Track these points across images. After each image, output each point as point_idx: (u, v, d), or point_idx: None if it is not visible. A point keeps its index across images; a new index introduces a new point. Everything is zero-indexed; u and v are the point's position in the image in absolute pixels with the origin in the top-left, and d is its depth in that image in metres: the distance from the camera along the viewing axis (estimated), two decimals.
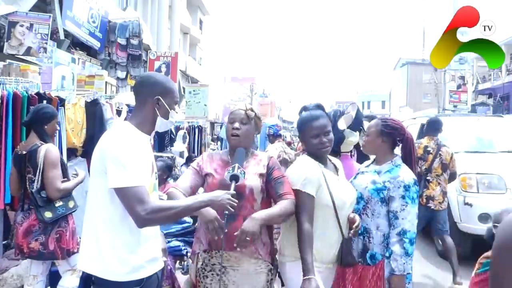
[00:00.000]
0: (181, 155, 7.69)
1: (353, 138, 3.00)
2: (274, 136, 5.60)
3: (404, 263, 2.24)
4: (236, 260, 2.20)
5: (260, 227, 2.09)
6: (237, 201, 1.93)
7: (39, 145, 3.08)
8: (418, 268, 5.03)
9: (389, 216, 2.33)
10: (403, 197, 2.30)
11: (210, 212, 2.06)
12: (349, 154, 3.10)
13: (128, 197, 1.69)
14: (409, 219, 2.27)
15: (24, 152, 3.09)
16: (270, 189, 2.28)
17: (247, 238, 2.03)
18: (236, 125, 2.28)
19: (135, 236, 1.77)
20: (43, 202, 3.01)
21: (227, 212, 1.92)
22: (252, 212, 2.16)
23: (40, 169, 3.01)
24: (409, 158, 2.48)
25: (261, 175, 2.28)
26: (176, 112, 2.03)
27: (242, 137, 2.28)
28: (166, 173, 4.19)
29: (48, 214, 3.00)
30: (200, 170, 2.32)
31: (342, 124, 2.99)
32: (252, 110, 2.34)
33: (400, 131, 2.49)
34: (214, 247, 2.21)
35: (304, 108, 2.44)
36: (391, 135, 2.47)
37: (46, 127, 3.14)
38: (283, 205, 2.17)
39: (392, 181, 2.34)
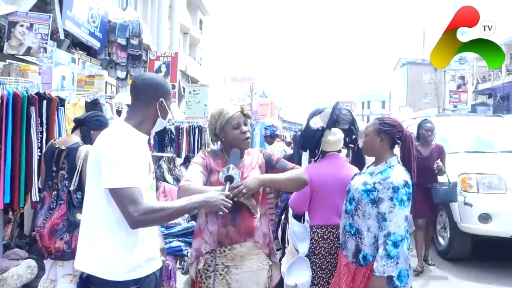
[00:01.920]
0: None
1: (332, 137, 2.88)
2: (271, 137, 5.52)
3: (384, 265, 2.21)
4: (240, 259, 2.23)
5: (259, 186, 2.18)
6: (231, 202, 1.92)
7: (80, 144, 3.07)
8: None
9: (378, 217, 2.32)
10: (391, 198, 2.27)
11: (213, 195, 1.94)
12: (338, 153, 3.00)
13: (121, 198, 1.69)
14: (395, 221, 2.24)
15: (63, 148, 3.06)
16: (278, 171, 2.34)
17: (244, 191, 2.07)
18: (245, 128, 2.30)
19: (132, 235, 1.76)
20: (79, 203, 2.87)
21: (221, 213, 1.90)
22: (256, 201, 2.26)
23: (78, 170, 2.96)
24: (407, 156, 2.45)
25: (259, 166, 2.35)
26: (171, 113, 2.05)
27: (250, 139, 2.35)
28: None
29: (79, 216, 2.84)
30: (207, 165, 2.30)
31: (315, 123, 2.91)
32: (243, 108, 2.38)
33: (398, 128, 2.45)
34: (227, 242, 2.20)
35: None
36: (390, 132, 2.43)
37: (92, 132, 3.16)
38: (290, 172, 2.29)
39: (382, 182, 2.32)
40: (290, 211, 2.88)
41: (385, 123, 2.45)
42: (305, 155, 3.10)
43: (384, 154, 2.44)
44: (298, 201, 2.84)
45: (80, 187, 2.93)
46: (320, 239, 2.77)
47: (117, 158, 1.71)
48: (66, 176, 3.02)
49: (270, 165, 2.37)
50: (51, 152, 3.11)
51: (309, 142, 2.97)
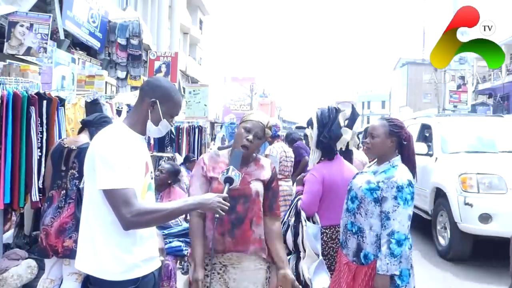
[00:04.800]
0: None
1: (347, 135, 2.92)
2: (272, 137, 5.60)
3: (387, 264, 2.22)
4: (237, 259, 2.24)
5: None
6: (228, 204, 1.89)
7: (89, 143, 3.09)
8: (418, 268, 5.02)
9: (382, 216, 2.32)
10: (395, 198, 2.28)
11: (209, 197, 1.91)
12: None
13: (114, 199, 1.68)
14: (399, 220, 2.25)
15: (74, 147, 3.07)
16: (266, 199, 2.35)
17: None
18: (251, 137, 2.26)
19: (129, 235, 1.76)
20: None
21: (217, 215, 1.88)
22: (259, 214, 2.26)
23: None
24: (412, 157, 2.47)
25: (263, 181, 2.33)
26: (172, 125, 1.97)
27: (251, 150, 2.29)
28: (171, 177, 4.00)
29: None
30: (206, 175, 2.30)
31: (341, 121, 2.94)
32: (270, 128, 2.33)
33: (405, 129, 2.48)
34: (221, 250, 2.21)
35: None
36: (399, 134, 2.44)
37: None
38: (281, 236, 2.40)
39: (386, 181, 2.32)
40: (303, 214, 2.80)
41: (395, 125, 2.44)
42: (315, 154, 3.02)
43: (389, 155, 2.44)
44: (312, 203, 2.79)
45: None
46: (329, 240, 2.76)
47: (110, 158, 1.70)
48: (77, 175, 3.03)
49: (267, 187, 2.35)
50: (60, 151, 3.11)
51: (334, 141, 2.92)
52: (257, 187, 2.28)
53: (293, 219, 2.85)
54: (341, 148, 3.04)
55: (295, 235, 2.86)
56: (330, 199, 2.79)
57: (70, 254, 2.93)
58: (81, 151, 3.04)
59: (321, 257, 2.68)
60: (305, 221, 2.73)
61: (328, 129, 2.90)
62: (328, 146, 2.91)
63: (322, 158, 2.97)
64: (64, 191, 3.05)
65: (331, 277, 2.64)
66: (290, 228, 2.90)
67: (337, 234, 2.76)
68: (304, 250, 2.72)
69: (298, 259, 2.84)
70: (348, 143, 3.03)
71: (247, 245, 2.22)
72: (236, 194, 2.13)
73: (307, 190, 2.86)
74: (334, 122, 2.90)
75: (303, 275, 2.69)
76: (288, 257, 2.89)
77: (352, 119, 2.92)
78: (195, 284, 2.16)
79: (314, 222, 2.78)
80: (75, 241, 2.89)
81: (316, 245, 2.69)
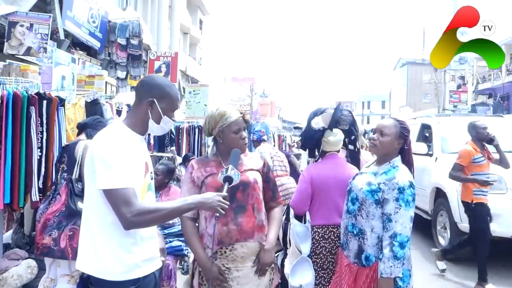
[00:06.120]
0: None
1: (332, 137, 2.88)
2: (257, 142, 5.69)
3: (391, 266, 2.21)
4: (241, 261, 2.23)
5: (273, 254, 2.35)
6: (228, 203, 1.90)
7: (81, 140, 3.14)
8: (418, 268, 5.03)
9: (383, 218, 2.31)
10: (397, 199, 2.26)
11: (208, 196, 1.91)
12: (337, 153, 3.00)
13: (114, 199, 1.68)
14: (402, 222, 2.24)
15: (67, 144, 3.18)
16: (267, 190, 2.43)
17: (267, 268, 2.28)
18: (244, 134, 2.36)
19: (130, 235, 1.76)
20: (81, 192, 2.84)
21: (217, 214, 1.89)
22: (259, 200, 2.31)
23: (78, 162, 2.94)
24: (411, 159, 2.47)
25: (257, 170, 2.38)
26: (174, 120, 1.97)
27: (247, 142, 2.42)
28: (168, 177, 4.05)
29: (81, 205, 2.78)
30: (196, 181, 2.31)
31: (317, 123, 2.92)
32: (245, 114, 2.46)
33: (409, 133, 2.49)
34: (227, 241, 2.22)
35: None
36: (406, 138, 2.43)
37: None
38: (278, 220, 2.44)
39: (387, 183, 2.31)
40: (291, 212, 2.88)
41: (406, 129, 2.44)
42: (304, 154, 3.13)
43: (391, 155, 2.43)
44: (300, 201, 2.85)
45: (81, 178, 2.91)
46: (321, 239, 2.77)
47: (110, 158, 1.71)
48: (66, 168, 3.04)
49: (265, 178, 2.42)
50: (60, 153, 3.23)
51: (309, 142, 2.99)
52: (254, 175, 2.33)
53: (284, 217, 2.92)
54: (348, 148, 3.06)
55: (285, 232, 2.96)
56: (321, 199, 2.81)
57: (47, 252, 2.84)
58: (71, 146, 3.10)
59: (304, 254, 2.71)
60: (292, 218, 2.81)
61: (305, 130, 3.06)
62: (308, 146, 3.02)
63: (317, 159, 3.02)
64: (54, 186, 3.08)
65: (331, 278, 2.65)
66: (281, 226, 2.98)
67: (330, 234, 2.77)
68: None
69: (285, 255, 2.94)
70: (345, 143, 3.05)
71: (252, 231, 2.24)
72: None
73: (296, 189, 2.98)
74: (308, 124, 3.00)
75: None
76: (277, 253, 2.95)
77: (332, 121, 2.89)
78: (215, 282, 2.19)
79: (306, 221, 2.82)
80: (54, 240, 2.81)
81: (299, 243, 2.73)
